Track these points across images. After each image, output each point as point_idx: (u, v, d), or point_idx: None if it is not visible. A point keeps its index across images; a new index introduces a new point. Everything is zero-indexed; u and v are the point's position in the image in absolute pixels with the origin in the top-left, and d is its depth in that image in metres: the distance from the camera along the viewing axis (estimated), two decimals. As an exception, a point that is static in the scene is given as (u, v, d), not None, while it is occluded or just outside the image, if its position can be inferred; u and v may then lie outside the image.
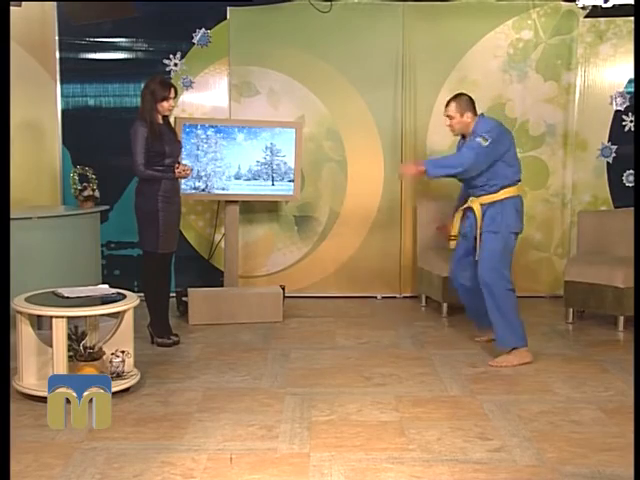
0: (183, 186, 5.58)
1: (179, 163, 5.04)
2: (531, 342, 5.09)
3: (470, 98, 4.87)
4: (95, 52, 6.50)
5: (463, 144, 4.89)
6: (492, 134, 4.68)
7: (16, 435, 3.46)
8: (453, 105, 4.83)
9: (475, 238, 4.84)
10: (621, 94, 6.53)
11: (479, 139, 4.67)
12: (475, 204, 4.82)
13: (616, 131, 6.55)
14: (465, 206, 4.94)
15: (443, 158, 5.11)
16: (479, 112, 4.89)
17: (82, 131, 6.49)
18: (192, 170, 5.25)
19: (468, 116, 4.80)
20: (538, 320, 5.91)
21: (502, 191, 4.74)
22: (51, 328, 3.88)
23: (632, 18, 6.07)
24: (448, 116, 4.85)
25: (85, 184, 5.88)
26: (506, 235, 4.73)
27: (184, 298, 5.91)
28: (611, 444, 3.49)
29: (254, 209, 6.61)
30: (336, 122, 6.60)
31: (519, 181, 4.83)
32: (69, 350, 3.97)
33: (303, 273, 6.70)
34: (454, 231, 4.99)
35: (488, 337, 5.10)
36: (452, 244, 5.04)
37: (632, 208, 5.79)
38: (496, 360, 4.71)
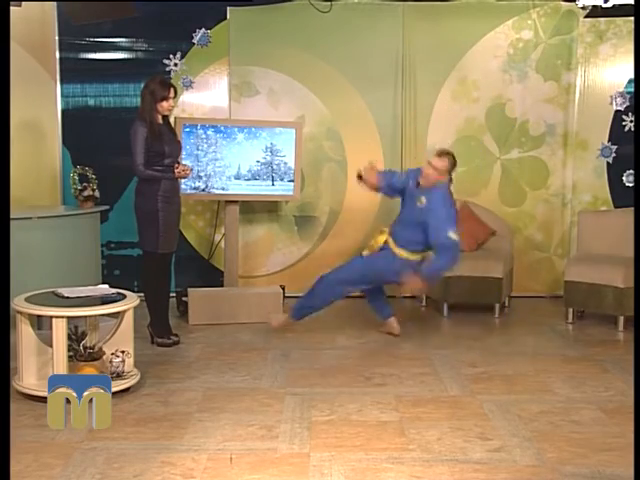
0: (183, 186, 5.58)
1: (179, 163, 5.04)
2: (531, 342, 5.11)
3: (456, 162, 5.04)
4: (95, 52, 6.50)
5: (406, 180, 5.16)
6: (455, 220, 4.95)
7: (16, 435, 3.46)
8: (447, 163, 4.97)
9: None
10: (621, 94, 6.53)
11: (453, 235, 4.84)
12: (398, 251, 5.11)
13: (616, 131, 6.55)
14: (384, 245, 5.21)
15: (434, 264, 5.01)
16: None
17: (82, 131, 6.49)
18: (192, 170, 5.25)
19: (446, 177, 5.00)
20: (538, 320, 5.92)
21: (420, 254, 5.08)
22: (51, 328, 3.88)
23: (632, 18, 6.06)
24: (435, 168, 4.94)
25: (85, 184, 5.88)
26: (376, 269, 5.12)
27: (184, 298, 5.91)
28: (611, 444, 3.49)
29: (254, 209, 6.61)
30: (336, 122, 6.60)
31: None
32: (69, 350, 3.97)
33: (303, 273, 6.67)
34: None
35: (387, 330, 5.39)
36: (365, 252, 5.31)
37: (632, 208, 5.79)
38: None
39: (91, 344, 4.14)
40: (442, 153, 5.04)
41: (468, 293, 6.01)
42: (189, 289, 5.91)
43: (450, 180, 5.09)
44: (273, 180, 6.03)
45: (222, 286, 6.19)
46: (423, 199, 4.99)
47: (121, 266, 6.60)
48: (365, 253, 5.31)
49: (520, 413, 3.88)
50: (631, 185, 6.56)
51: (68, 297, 4.14)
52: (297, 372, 4.56)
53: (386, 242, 5.18)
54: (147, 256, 5.07)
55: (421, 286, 5.01)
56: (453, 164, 5.02)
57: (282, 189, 6.06)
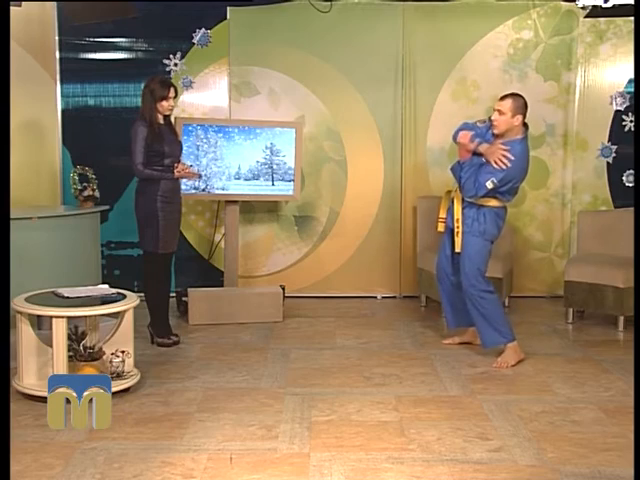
0: (183, 186, 5.56)
1: (179, 163, 5.03)
2: (531, 342, 5.11)
3: (526, 103, 4.66)
4: (95, 52, 6.50)
5: (487, 139, 4.68)
6: (505, 177, 4.56)
7: (16, 435, 3.47)
8: (510, 102, 4.61)
9: (452, 230, 4.84)
10: (621, 94, 6.53)
11: (488, 182, 4.56)
12: (457, 198, 4.81)
13: (616, 131, 6.55)
14: (450, 190, 4.93)
15: (470, 170, 4.67)
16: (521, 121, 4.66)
17: (82, 131, 6.49)
18: (193, 171, 5.24)
19: (518, 119, 4.60)
20: (538, 320, 5.92)
21: (484, 199, 4.72)
22: (51, 328, 3.88)
23: (632, 18, 6.06)
24: (499, 111, 4.61)
25: (85, 184, 5.87)
26: (483, 240, 4.76)
27: (184, 298, 5.91)
28: (611, 444, 3.49)
29: (254, 209, 6.61)
30: (336, 122, 6.60)
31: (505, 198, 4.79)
32: (69, 350, 3.97)
33: (303, 273, 6.70)
34: (442, 213, 4.95)
35: (459, 340, 5.16)
36: (440, 227, 4.97)
37: (632, 208, 5.79)
38: (497, 361, 4.71)
39: (91, 344, 4.14)
40: (504, 95, 4.69)
41: (468, 293, 6.00)
42: (189, 289, 5.91)
43: (526, 128, 4.67)
44: (273, 180, 6.03)
45: (222, 286, 6.19)
46: None
47: (121, 266, 6.60)
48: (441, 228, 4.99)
49: (520, 413, 3.88)
50: (631, 185, 6.56)
51: (68, 297, 4.14)
52: (297, 372, 4.56)
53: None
54: (147, 256, 5.07)
55: (468, 142, 4.62)
56: (523, 104, 4.60)
57: (282, 189, 6.06)
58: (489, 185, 4.58)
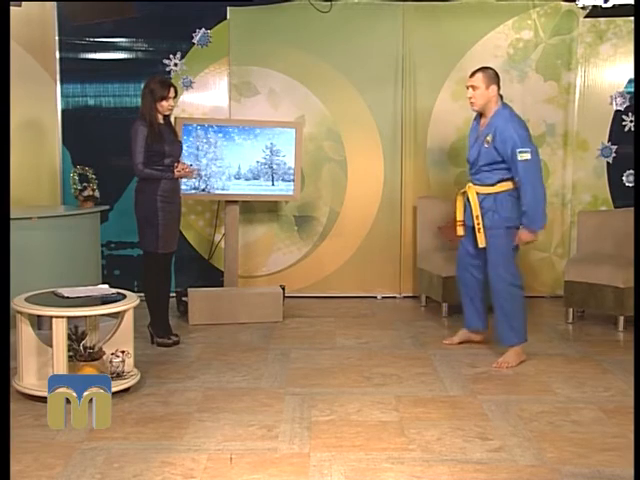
0: (183, 186, 5.56)
1: (179, 162, 5.03)
2: (531, 342, 5.09)
3: (497, 73, 4.68)
4: (95, 52, 6.50)
5: (476, 126, 4.77)
6: (529, 137, 4.56)
7: (16, 435, 3.47)
8: (480, 75, 4.62)
9: (472, 228, 4.76)
10: (621, 94, 6.53)
11: (529, 154, 4.49)
12: (471, 191, 4.74)
13: (616, 131, 6.55)
14: (464, 190, 4.86)
15: (529, 206, 4.56)
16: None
17: (82, 131, 6.49)
18: (193, 170, 5.23)
19: (493, 89, 4.60)
20: (538, 320, 5.91)
21: (498, 184, 4.65)
22: (51, 328, 3.88)
23: (632, 18, 6.07)
24: (472, 87, 4.62)
25: (85, 184, 5.88)
26: (506, 229, 4.65)
27: (184, 298, 5.91)
28: (611, 444, 3.49)
29: (254, 209, 6.61)
30: (336, 122, 6.60)
31: None
32: (69, 350, 3.97)
33: (303, 273, 6.69)
34: (460, 216, 4.89)
35: (458, 340, 5.15)
36: (460, 230, 4.90)
37: (632, 208, 5.78)
38: (498, 361, 4.70)
39: (91, 344, 4.14)
40: (473, 71, 4.69)
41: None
42: (189, 289, 5.91)
43: (501, 98, 4.66)
44: (273, 180, 6.03)
45: (222, 286, 6.19)
46: (489, 137, 4.59)
47: (121, 266, 6.60)
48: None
49: (520, 413, 3.87)
50: (631, 185, 6.56)
51: (68, 297, 4.14)
52: (297, 372, 4.56)
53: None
54: (147, 256, 5.07)
55: (532, 237, 4.64)
56: (494, 74, 4.62)
57: (282, 189, 6.06)
58: (525, 156, 4.49)
